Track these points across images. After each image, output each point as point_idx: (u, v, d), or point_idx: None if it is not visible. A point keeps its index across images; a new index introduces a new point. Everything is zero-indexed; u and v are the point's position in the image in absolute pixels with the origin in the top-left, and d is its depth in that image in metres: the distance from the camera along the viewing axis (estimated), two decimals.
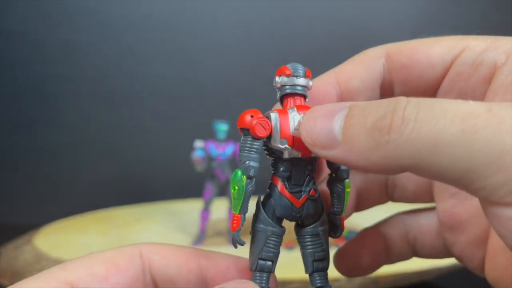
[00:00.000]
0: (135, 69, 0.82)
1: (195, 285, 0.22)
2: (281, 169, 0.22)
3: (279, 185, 0.22)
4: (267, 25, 0.85)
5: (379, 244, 0.28)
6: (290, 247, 0.53)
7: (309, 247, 0.22)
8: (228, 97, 0.83)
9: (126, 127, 0.83)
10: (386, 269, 0.45)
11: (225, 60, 0.85)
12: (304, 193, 0.22)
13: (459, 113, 0.17)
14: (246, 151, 0.21)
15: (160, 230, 0.63)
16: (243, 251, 0.22)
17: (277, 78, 0.22)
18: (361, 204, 0.28)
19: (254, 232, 0.22)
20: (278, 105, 0.23)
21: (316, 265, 0.22)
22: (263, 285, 0.21)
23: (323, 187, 0.23)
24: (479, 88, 0.23)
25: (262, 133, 0.21)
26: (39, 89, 0.79)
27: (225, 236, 0.62)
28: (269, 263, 0.22)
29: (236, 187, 0.21)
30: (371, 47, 0.26)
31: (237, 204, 0.21)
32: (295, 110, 0.21)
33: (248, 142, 0.21)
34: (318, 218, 0.22)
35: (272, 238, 0.22)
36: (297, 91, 0.22)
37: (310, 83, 0.22)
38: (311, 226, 0.22)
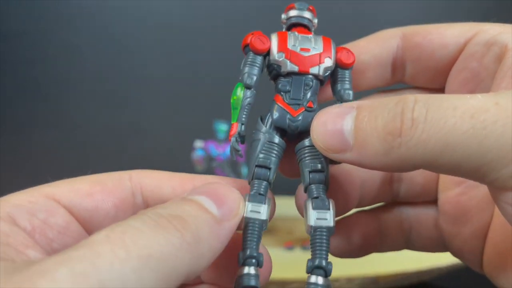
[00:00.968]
0: (135, 69, 0.82)
1: None
2: (281, 84, 0.23)
3: (278, 98, 0.23)
4: (267, 25, 0.84)
5: (372, 226, 0.27)
6: (290, 247, 0.53)
7: (307, 159, 0.22)
8: (228, 97, 0.83)
9: (126, 127, 0.83)
10: (386, 269, 0.46)
11: (225, 60, 0.84)
12: (301, 106, 0.22)
13: (468, 110, 0.17)
14: (247, 65, 0.22)
15: None
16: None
17: (283, 15, 0.24)
18: (364, 199, 0.27)
19: (251, 143, 0.22)
20: None
21: (312, 176, 0.22)
22: (261, 191, 0.21)
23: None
24: (491, 66, 0.24)
25: (260, 45, 0.22)
26: (39, 89, 0.79)
27: None
28: (266, 170, 0.22)
29: (235, 97, 0.22)
30: None
31: (234, 114, 0.22)
32: (296, 32, 0.23)
33: (250, 57, 0.22)
34: None
35: (268, 145, 0.22)
36: (303, 22, 0.23)
37: (315, 20, 0.24)
38: (310, 138, 0.22)
